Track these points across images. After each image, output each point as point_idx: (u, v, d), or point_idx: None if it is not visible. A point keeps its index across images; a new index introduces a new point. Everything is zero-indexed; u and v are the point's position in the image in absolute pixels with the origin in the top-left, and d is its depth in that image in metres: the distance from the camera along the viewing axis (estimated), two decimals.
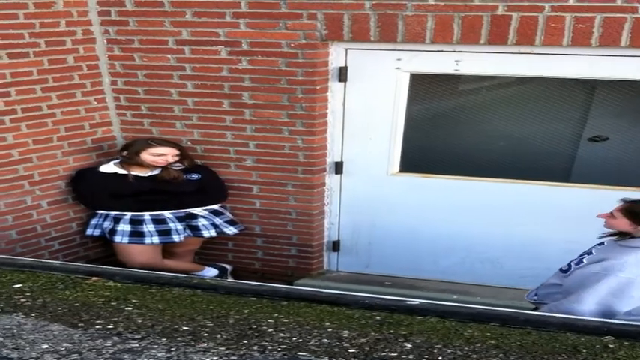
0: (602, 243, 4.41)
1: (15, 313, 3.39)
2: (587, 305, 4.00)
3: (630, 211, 4.13)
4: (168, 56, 5.79)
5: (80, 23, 5.67)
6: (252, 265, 7.02)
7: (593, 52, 4.97)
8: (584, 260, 4.33)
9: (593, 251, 4.36)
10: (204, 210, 6.21)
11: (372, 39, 5.24)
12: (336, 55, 5.59)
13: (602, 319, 3.49)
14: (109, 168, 5.95)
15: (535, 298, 4.63)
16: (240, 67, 5.69)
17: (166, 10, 5.53)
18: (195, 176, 6.05)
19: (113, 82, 6.06)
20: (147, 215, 6.00)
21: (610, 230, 4.38)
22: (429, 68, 5.53)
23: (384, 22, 5.14)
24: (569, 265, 4.45)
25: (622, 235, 4.27)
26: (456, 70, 5.42)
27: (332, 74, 5.68)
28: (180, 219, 6.09)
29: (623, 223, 4.15)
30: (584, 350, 2.90)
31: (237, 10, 5.39)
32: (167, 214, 6.04)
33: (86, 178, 6.11)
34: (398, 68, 5.56)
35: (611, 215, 4.25)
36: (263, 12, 5.34)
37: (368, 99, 5.78)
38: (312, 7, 5.22)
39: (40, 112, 5.81)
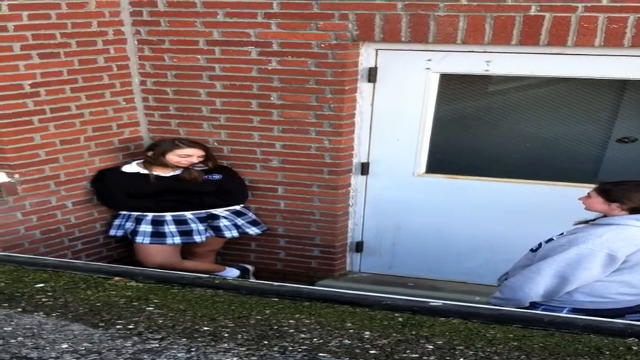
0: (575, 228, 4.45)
1: (36, 313, 3.40)
2: (544, 276, 4.12)
3: (602, 189, 4.22)
4: (199, 57, 5.80)
5: (112, 23, 5.69)
6: (275, 266, 7.02)
7: (626, 52, 4.93)
8: (554, 238, 4.39)
9: (564, 232, 4.40)
10: (226, 210, 6.21)
11: (402, 39, 5.22)
12: (366, 55, 5.57)
13: (625, 322, 3.46)
14: (132, 168, 5.98)
15: (505, 280, 4.64)
16: (269, 68, 5.68)
17: (198, 10, 5.54)
18: (216, 176, 6.05)
19: (142, 83, 6.08)
20: (168, 216, 6.02)
21: (586, 218, 4.42)
22: (459, 69, 5.51)
23: (415, 23, 5.11)
24: (539, 244, 4.50)
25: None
26: (486, 70, 5.39)
27: (361, 75, 5.66)
28: (201, 219, 6.09)
29: (598, 202, 4.23)
30: (608, 352, 2.87)
31: (269, 10, 5.38)
32: (188, 214, 6.05)
33: (105, 178, 6.15)
34: (428, 69, 5.54)
35: (587, 196, 4.33)
36: (295, 12, 5.34)
37: (396, 100, 5.76)
38: (344, 7, 5.21)
39: (69, 113, 5.83)
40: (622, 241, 3.97)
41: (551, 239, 4.41)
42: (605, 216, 4.25)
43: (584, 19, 4.75)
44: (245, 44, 5.61)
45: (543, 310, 4.16)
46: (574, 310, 4.14)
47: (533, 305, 4.23)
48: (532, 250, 4.55)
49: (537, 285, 4.11)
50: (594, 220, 4.33)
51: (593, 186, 4.35)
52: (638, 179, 4.27)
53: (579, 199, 4.40)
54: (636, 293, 4.12)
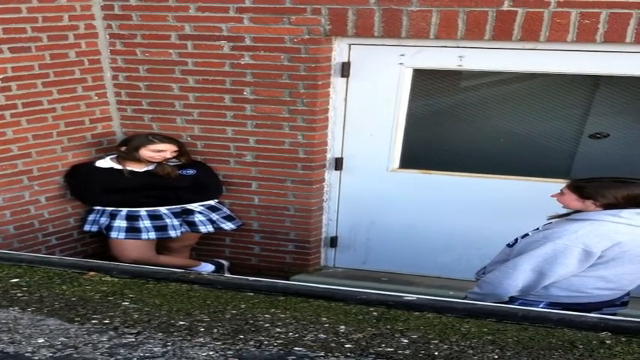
0: (550, 223, 4.49)
1: (11, 308, 3.38)
2: (521, 271, 4.14)
3: (575, 186, 4.23)
4: (171, 51, 5.78)
5: (83, 17, 5.66)
6: (249, 261, 7.04)
7: (598, 47, 4.96)
8: (529, 233, 4.42)
9: (539, 227, 4.44)
10: (200, 206, 6.21)
11: (375, 34, 5.23)
12: (339, 50, 5.58)
13: (599, 316, 3.49)
14: (105, 163, 5.98)
15: (483, 275, 4.68)
16: (242, 63, 5.68)
17: (170, 4, 5.52)
18: (190, 171, 6.06)
19: (114, 77, 6.06)
20: (143, 211, 6.01)
21: (557, 212, 4.48)
22: (432, 64, 5.52)
23: (388, 18, 5.12)
24: (515, 239, 4.55)
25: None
26: (459, 65, 5.41)
27: (334, 70, 5.67)
28: (176, 214, 6.10)
29: (571, 199, 4.24)
30: (581, 346, 2.89)
31: (242, 4, 5.38)
32: (163, 209, 6.05)
33: (80, 173, 6.15)
34: (401, 64, 5.56)
35: (561, 193, 4.34)
36: (267, 7, 5.33)
37: (370, 95, 5.77)
38: (317, 2, 5.21)
39: (41, 107, 5.82)
40: (597, 237, 3.99)
41: (526, 234, 4.44)
42: (578, 211, 4.28)
43: (556, 14, 4.77)
44: (217, 38, 5.61)
45: (520, 304, 4.19)
46: (550, 304, 4.17)
47: (510, 299, 4.26)
48: (509, 246, 4.59)
49: (516, 280, 4.14)
50: (568, 214, 4.37)
51: (566, 182, 4.37)
52: (611, 175, 4.30)
53: (552, 196, 4.41)
54: (612, 288, 4.16)
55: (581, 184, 4.21)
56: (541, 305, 4.18)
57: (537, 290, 4.16)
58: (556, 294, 4.16)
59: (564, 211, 4.42)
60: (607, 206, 4.10)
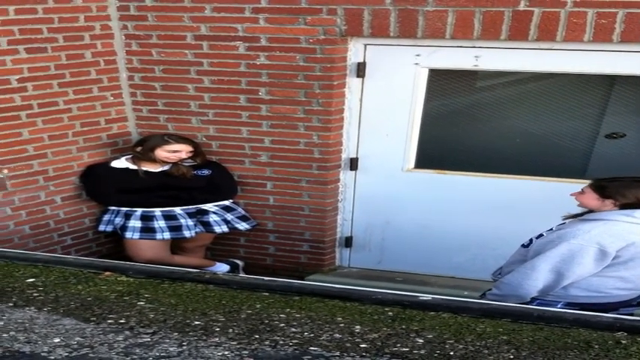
0: (564, 223, 4.48)
1: (27, 308, 3.40)
2: (540, 272, 4.13)
3: (598, 185, 4.23)
4: (186, 52, 5.79)
5: (99, 18, 5.68)
6: (264, 261, 7.04)
7: (614, 47, 4.94)
8: (544, 234, 4.42)
9: (553, 227, 4.44)
10: (215, 206, 6.22)
11: (391, 34, 5.22)
12: (355, 50, 5.57)
13: (614, 316, 3.48)
14: (121, 163, 5.99)
15: (499, 276, 4.68)
16: (258, 63, 5.68)
17: (186, 5, 5.53)
18: (205, 172, 6.07)
19: (130, 78, 6.07)
20: (157, 211, 6.03)
21: (575, 212, 4.47)
22: (447, 64, 5.51)
23: (404, 18, 5.11)
24: (530, 240, 4.53)
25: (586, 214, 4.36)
26: (475, 65, 5.40)
27: (350, 70, 5.66)
28: (190, 215, 6.10)
29: (592, 198, 4.23)
30: (597, 346, 2.88)
31: (257, 5, 5.37)
32: (178, 209, 6.06)
33: (95, 174, 6.16)
34: (416, 64, 5.55)
35: (581, 192, 4.33)
36: (283, 7, 5.33)
37: (385, 95, 5.76)
38: (333, 2, 5.20)
39: (57, 108, 5.83)
40: (610, 236, 3.99)
41: (541, 235, 4.43)
42: (592, 211, 4.27)
43: (573, 14, 4.75)
44: (233, 39, 5.61)
45: (538, 304, 4.19)
46: (568, 305, 4.17)
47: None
48: (523, 246, 4.58)
49: (536, 281, 4.13)
50: (582, 214, 4.36)
51: (586, 182, 4.36)
52: (632, 175, 4.30)
53: (572, 194, 4.40)
54: (631, 288, 4.16)
55: (604, 183, 4.21)
56: (559, 305, 4.17)
57: (556, 290, 4.15)
58: (575, 294, 4.15)
59: (578, 210, 4.41)
60: (624, 206, 4.10)
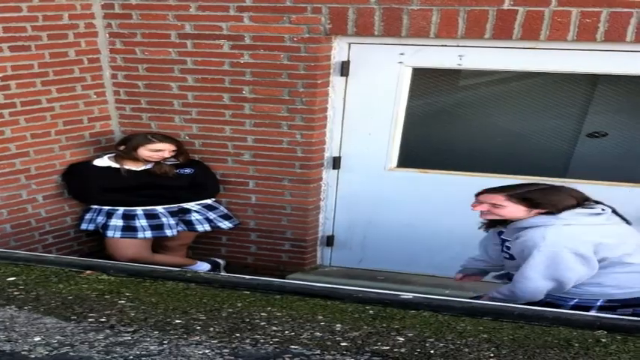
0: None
1: (8, 306, 3.39)
2: (534, 281, 4.13)
3: (525, 197, 4.21)
4: (170, 50, 5.79)
5: (83, 16, 5.67)
6: (245, 260, 7.04)
7: (598, 47, 4.95)
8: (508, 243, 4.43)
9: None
10: (197, 204, 6.22)
11: (376, 33, 5.23)
12: (339, 49, 5.58)
13: (595, 314, 3.51)
14: (103, 162, 5.98)
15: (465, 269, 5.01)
16: (242, 61, 5.68)
17: (171, 3, 5.53)
18: (187, 170, 6.06)
19: (113, 76, 6.07)
20: (139, 210, 6.02)
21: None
22: (431, 63, 5.52)
23: (388, 17, 5.12)
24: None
25: (502, 223, 4.46)
26: (459, 64, 5.40)
27: (334, 69, 5.67)
28: (172, 213, 6.10)
29: (519, 210, 4.23)
30: (577, 344, 2.90)
31: (242, 4, 5.38)
32: (159, 208, 6.05)
33: (77, 172, 6.16)
34: (400, 63, 5.55)
35: (494, 206, 4.29)
36: (268, 6, 5.33)
37: (369, 94, 5.77)
38: (318, 1, 5.21)
39: (39, 106, 5.83)
40: (568, 239, 4.03)
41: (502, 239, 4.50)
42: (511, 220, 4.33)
43: (557, 13, 4.76)
44: (217, 37, 5.61)
45: (576, 303, 4.21)
46: (608, 302, 4.16)
47: (564, 300, 4.27)
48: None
49: (535, 290, 4.14)
50: (502, 223, 4.45)
51: (499, 196, 4.31)
52: (536, 183, 4.41)
53: (476, 208, 4.44)
54: None
55: (529, 194, 4.22)
56: (599, 303, 4.17)
57: (591, 290, 4.16)
58: (610, 292, 4.15)
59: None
60: (548, 213, 4.15)
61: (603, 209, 4.19)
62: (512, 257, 4.41)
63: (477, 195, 4.49)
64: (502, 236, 4.51)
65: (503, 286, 4.46)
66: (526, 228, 4.17)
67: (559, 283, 4.09)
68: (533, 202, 4.17)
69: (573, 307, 4.16)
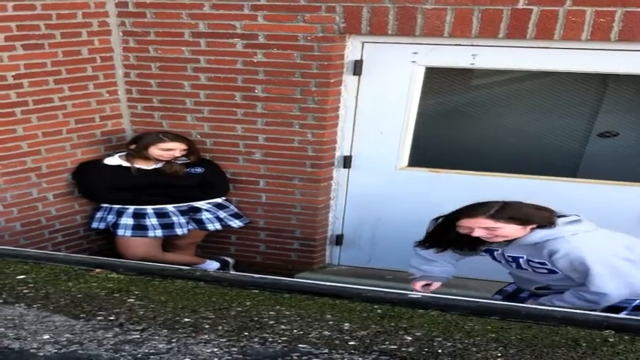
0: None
1: (17, 304, 3.40)
2: (611, 291, 4.07)
3: (513, 217, 4.19)
4: (183, 48, 5.79)
5: (97, 15, 5.67)
6: (254, 259, 7.06)
7: (612, 46, 4.93)
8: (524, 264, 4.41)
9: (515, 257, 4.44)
10: (208, 203, 6.23)
11: (389, 32, 5.22)
12: (352, 48, 5.57)
13: (602, 314, 3.50)
14: (114, 160, 5.98)
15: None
16: (255, 60, 5.68)
17: (185, 2, 5.52)
18: (198, 170, 6.06)
19: (126, 75, 6.06)
20: (149, 209, 6.03)
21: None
22: (445, 62, 5.50)
23: (402, 16, 5.11)
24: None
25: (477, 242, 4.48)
26: (472, 64, 5.39)
27: (347, 68, 5.66)
28: (183, 212, 6.11)
29: (516, 230, 4.20)
30: (584, 344, 2.89)
31: (256, 2, 5.37)
32: (170, 207, 6.07)
33: (87, 171, 6.16)
34: (413, 62, 5.54)
35: (489, 229, 4.24)
36: (282, 4, 5.32)
37: (381, 93, 5.76)
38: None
39: (51, 104, 5.83)
40: (607, 248, 4.09)
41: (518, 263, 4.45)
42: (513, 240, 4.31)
43: (571, 12, 4.74)
44: (231, 36, 5.61)
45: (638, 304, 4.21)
46: None
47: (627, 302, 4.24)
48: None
49: (614, 298, 4.11)
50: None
51: (487, 221, 4.25)
52: (495, 201, 4.35)
53: (482, 236, 4.32)
54: None
55: (517, 214, 4.20)
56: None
57: None
58: None
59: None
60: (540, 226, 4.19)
61: (577, 215, 4.25)
62: (551, 272, 4.36)
63: (453, 221, 4.46)
64: (508, 254, 4.45)
65: (568, 295, 4.38)
66: (546, 241, 4.17)
67: (633, 287, 4.07)
68: (525, 219, 4.18)
69: (636, 308, 4.18)
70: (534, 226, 4.17)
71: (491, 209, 4.22)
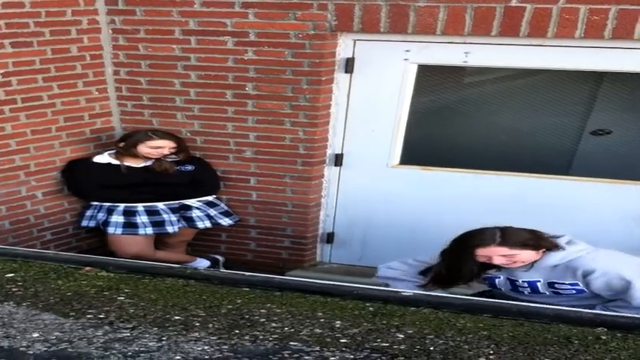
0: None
1: (6, 303, 3.38)
2: None
3: (524, 243, 4.21)
4: (174, 46, 5.77)
5: (86, 12, 5.65)
6: (245, 257, 7.05)
7: (606, 44, 4.92)
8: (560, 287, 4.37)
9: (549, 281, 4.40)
10: (198, 201, 6.22)
11: (381, 30, 5.21)
12: (344, 46, 5.56)
13: (594, 312, 3.50)
14: (103, 158, 5.97)
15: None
16: (245, 58, 5.67)
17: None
18: (188, 167, 6.07)
19: (116, 73, 6.05)
20: (140, 206, 6.02)
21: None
22: (437, 60, 5.49)
23: (395, 13, 5.10)
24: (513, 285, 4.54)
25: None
26: (465, 61, 5.38)
27: (338, 65, 5.65)
28: (173, 210, 6.10)
29: (531, 254, 4.24)
30: (577, 342, 2.88)
31: (247, 0, 5.36)
32: (160, 205, 6.05)
33: (77, 169, 6.15)
34: (406, 59, 5.53)
35: (507, 257, 4.25)
36: (273, 2, 5.31)
37: (373, 90, 5.76)
38: None
39: (40, 102, 5.81)
40: (627, 261, 4.16)
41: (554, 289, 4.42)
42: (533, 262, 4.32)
43: (565, 10, 4.74)
44: (221, 34, 5.59)
45: None
46: None
47: None
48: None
49: None
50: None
51: (502, 249, 4.25)
52: (497, 227, 4.37)
53: (500, 263, 4.32)
54: None
55: (530, 240, 4.23)
56: None
57: None
58: None
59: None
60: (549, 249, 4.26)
61: (563, 234, 4.35)
62: (579, 292, 4.33)
63: (473, 249, 4.44)
64: (524, 279, 4.43)
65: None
66: (569, 262, 4.21)
67: None
68: (537, 243, 4.21)
69: None
70: (544, 250, 4.21)
71: (495, 236, 4.26)
